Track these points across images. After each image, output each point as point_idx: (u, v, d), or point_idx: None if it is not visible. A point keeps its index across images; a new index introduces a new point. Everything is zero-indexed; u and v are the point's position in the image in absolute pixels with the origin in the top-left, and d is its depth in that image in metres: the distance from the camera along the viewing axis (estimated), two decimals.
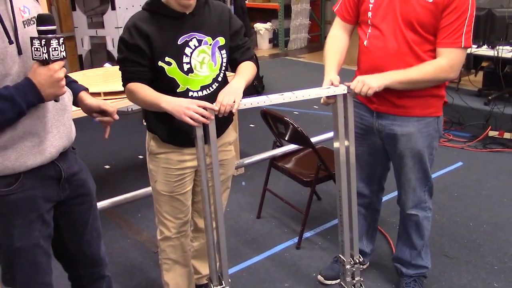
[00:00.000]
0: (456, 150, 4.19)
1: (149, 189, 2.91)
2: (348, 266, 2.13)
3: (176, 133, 1.95)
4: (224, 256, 1.93)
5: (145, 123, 2.09)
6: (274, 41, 9.02)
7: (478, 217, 3.18)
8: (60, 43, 1.39)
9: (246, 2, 6.87)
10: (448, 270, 2.64)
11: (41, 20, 1.39)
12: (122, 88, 2.81)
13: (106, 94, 2.87)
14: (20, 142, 1.47)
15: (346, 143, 1.99)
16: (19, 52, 1.44)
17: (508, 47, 4.20)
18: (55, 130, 1.55)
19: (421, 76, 2.00)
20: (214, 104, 1.76)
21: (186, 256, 2.24)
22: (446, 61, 1.98)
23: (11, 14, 1.43)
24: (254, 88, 5.79)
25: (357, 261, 2.13)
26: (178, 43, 1.86)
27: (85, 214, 1.74)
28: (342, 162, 2.01)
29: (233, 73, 2.03)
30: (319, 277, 2.59)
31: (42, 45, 1.36)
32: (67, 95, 1.63)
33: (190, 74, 1.89)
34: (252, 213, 3.30)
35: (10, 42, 1.41)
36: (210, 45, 1.91)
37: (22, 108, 1.39)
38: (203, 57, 1.90)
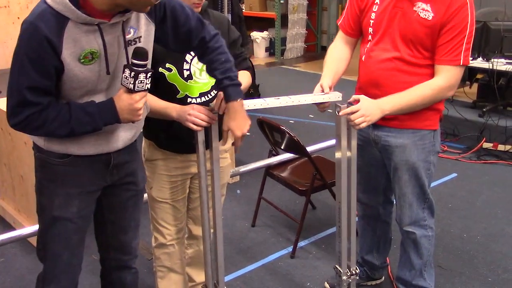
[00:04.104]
0: (451, 161, 4.21)
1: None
2: (344, 277, 2.13)
3: (172, 139, 1.96)
4: (221, 264, 1.93)
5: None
6: (270, 50, 9.04)
7: (472, 228, 3.19)
8: (147, 77, 1.50)
9: (243, 10, 6.89)
10: (442, 281, 2.64)
11: (136, 54, 1.48)
12: None
13: None
14: (85, 138, 1.58)
15: (348, 154, 1.98)
16: (108, 72, 1.53)
17: (503, 60, 4.24)
18: (127, 126, 1.66)
19: (420, 100, 1.99)
20: (215, 99, 1.80)
21: (181, 264, 2.23)
22: (444, 80, 1.97)
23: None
24: (250, 96, 5.81)
25: (354, 272, 2.13)
26: None
27: (127, 201, 1.81)
28: (343, 172, 2.00)
29: None
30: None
31: (131, 76, 1.47)
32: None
33: (189, 80, 1.90)
34: (246, 222, 3.30)
35: (108, 73, 1.52)
36: None
37: (99, 125, 1.54)
38: (203, 64, 1.90)
